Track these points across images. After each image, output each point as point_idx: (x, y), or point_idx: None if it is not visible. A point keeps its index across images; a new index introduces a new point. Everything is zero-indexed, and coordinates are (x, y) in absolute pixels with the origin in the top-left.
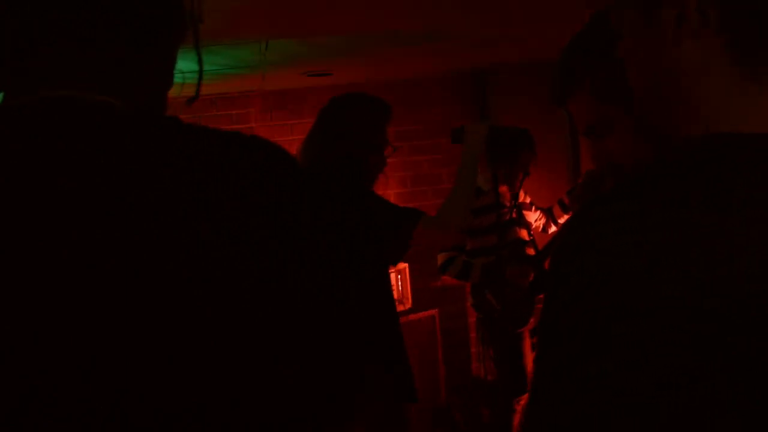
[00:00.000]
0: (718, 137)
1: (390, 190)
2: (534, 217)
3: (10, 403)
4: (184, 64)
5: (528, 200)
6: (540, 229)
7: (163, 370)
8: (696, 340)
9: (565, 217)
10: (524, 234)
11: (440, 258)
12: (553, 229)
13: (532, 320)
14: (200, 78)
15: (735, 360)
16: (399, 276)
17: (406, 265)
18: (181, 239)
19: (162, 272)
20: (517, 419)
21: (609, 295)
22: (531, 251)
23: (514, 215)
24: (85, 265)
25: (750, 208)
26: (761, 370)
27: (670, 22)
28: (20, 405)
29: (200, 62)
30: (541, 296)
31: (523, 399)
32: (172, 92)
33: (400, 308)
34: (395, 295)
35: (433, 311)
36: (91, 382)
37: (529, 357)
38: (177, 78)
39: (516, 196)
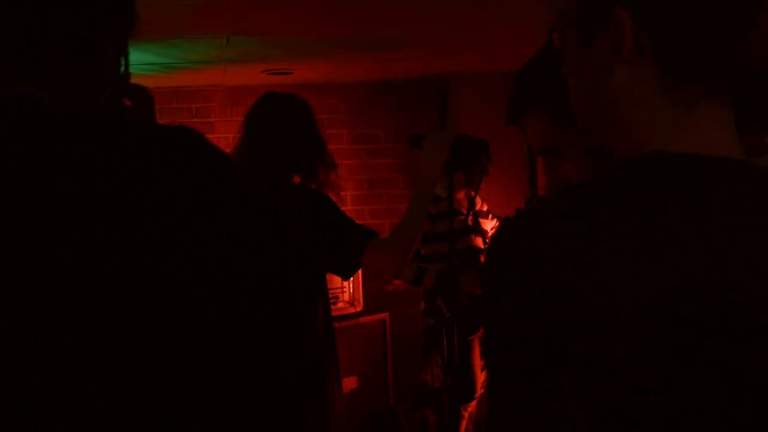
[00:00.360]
0: (676, 154)
1: (347, 192)
2: (490, 225)
3: (10, 402)
4: (145, 56)
5: (485, 208)
6: None
7: (163, 369)
8: (674, 345)
9: None
10: (479, 242)
11: None
12: None
13: (482, 329)
14: (126, 67)
15: (714, 365)
16: (350, 278)
17: None
18: (180, 239)
19: (162, 272)
20: (463, 425)
21: (571, 307)
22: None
23: (470, 223)
24: (85, 265)
25: (730, 215)
26: (744, 375)
27: (606, 49)
28: (20, 405)
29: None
30: None
31: (471, 406)
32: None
33: (350, 310)
34: (346, 297)
35: (384, 315)
36: (90, 382)
37: (478, 365)
38: (140, 69)
39: (473, 204)
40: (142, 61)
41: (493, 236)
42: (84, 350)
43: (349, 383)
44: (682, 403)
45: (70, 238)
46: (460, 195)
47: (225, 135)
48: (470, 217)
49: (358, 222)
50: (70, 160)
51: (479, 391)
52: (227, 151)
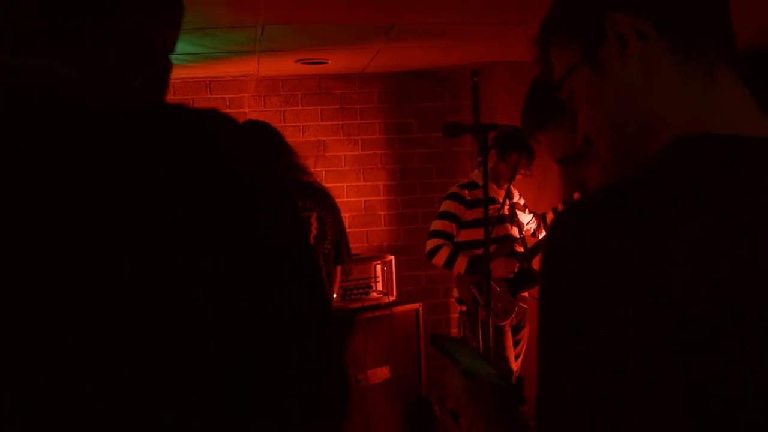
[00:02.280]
0: (689, 139)
1: (379, 182)
2: (527, 219)
3: (9, 402)
4: (180, 46)
5: (522, 201)
6: (530, 233)
7: (163, 370)
8: (683, 346)
9: None
10: (515, 231)
11: (429, 245)
12: (543, 234)
13: (513, 315)
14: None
15: (725, 365)
16: (384, 268)
17: (392, 257)
18: (178, 238)
19: (160, 271)
20: None
21: (598, 301)
22: (520, 248)
23: (506, 211)
24: (84, 263)
25: (747, 214)
26: (756, 375)
27: (614, 52)
28: (20, 405)
29: None
30: (524, 293)
31: None
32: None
33: (384, 300)
34: (380, 287)
35: (417, 305)
36: (90, 382)
37: (511, 351)
38: (175, 59)
39: (509, 193)
40: (177, 51)
41: (551, 230)
42: (83, 349)
43: (382, 373)
44: (694, 404)
45: (66, 233)
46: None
47: None
48: (506, 206)
49: (389, 213)
50: (74, 148)
51: (513, 377)
52: None
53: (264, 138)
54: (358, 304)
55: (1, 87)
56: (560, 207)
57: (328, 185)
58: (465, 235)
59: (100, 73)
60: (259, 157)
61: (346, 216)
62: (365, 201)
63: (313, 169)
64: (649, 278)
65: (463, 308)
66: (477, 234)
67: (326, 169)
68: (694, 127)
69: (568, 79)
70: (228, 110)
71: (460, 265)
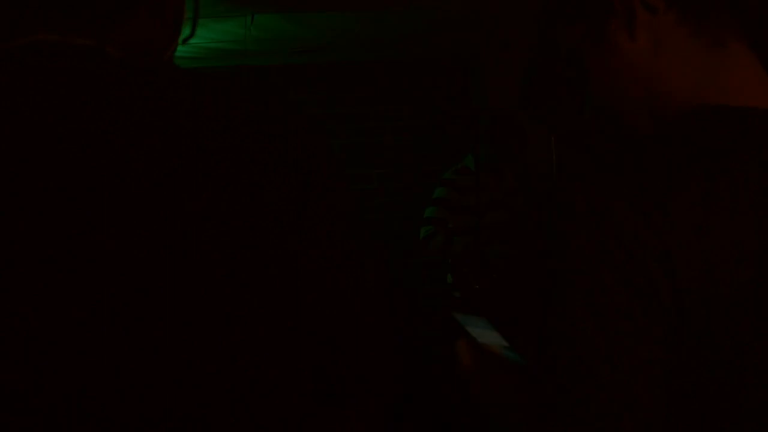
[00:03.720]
0: (700, 111)
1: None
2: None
3: (15, 401)
4: None
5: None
6: None
7: (177, 367)
8: (677, 298)
9: None
10: (509, 217)
11: (422, 232)
12: None
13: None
14: (196, 16)
15: (713, 322)
16: None
17: None
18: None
19: (183, 261)
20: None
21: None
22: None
23: (498, 197)
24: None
25: (746, 187)
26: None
27: (623, 26)
28: (25, 403)
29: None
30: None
31: None
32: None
33: None
34: None
35: None
36: (106, 377)
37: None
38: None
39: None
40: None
41: (559, 188)
42: (95, 347)
43: None
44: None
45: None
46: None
47: None
48: (498, 192)
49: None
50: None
51: None
52: None
53: None
54: None
55: (59, 70)
56: None
57: None
58: (457, 221)
59: (137, 47)
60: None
61: None
62: None
63: None
64: (646, 237)
65: (457, 294)
66: (469, 219)
67: None
68: (705, 98)
69: (577, 55)
70: None
71: (455, 251)
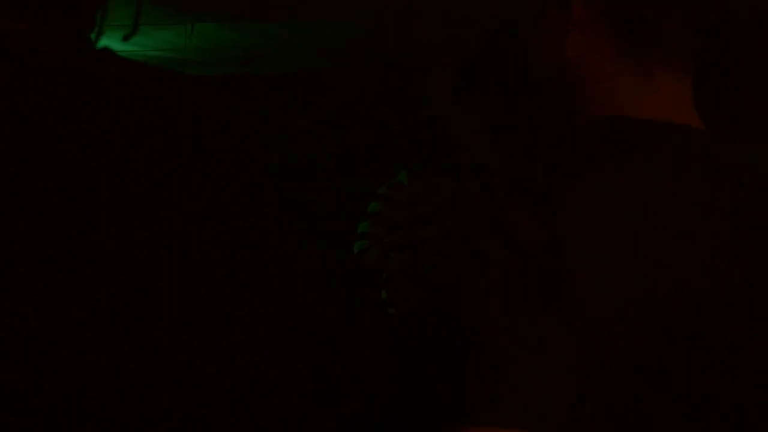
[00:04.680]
0: (617, 120)
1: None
2: None
3: (15, 401)
4: (109, 44)
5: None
6: None
7: (170, 367)
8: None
9: None
10: (440, 230)
11: (356, 247)
12: None
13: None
14: (138, 9)
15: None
16: None
17: None
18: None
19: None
20: None
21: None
22: None
23: (430, 212)
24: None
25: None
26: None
27: (560, 15)
28: (25, 403)
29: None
30: None
31: None
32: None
33: None
34: None
35: None
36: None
37: None
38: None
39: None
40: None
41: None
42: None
43: None
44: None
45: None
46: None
47: None
48: (429, 206)
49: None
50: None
51: None
52: None
53: None
54: None
55: None
56: None
57: None
58: (392, 236)
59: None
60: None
61: None
62: None
63: None
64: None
65: (392, 311)
66: (404, 235)
67: None
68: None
69: (522, 29)
70: None
71: (392, 265)
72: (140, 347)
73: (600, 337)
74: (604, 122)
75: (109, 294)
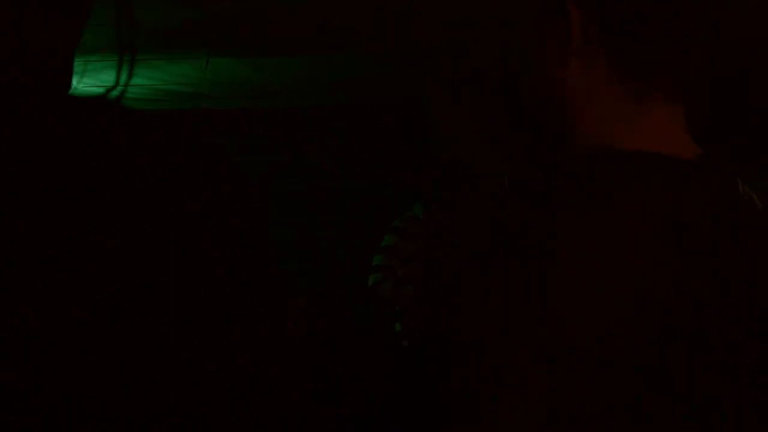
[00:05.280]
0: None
1: None
2: None
3: (15, 401)
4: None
5: None
6: None
7: (157, 365)
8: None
9: None
10: None
11: (371, 279)
12: None
13: None
14: (131, 55)
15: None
16: None
17: None
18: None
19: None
20: None
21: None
22: None
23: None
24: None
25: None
26: None
27: (559, 42)
28: (25, 403)
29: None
30: None
31: None
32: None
33: None
34: None
35: None
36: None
37: None
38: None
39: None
40: (122, 82)
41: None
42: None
43: None
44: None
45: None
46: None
47: None
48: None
49: None
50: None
51: None
52: None
53: None
54: None
55: None
56: None
57: None
58: (405, 270)
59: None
60: None
61: None
62: None
63: None
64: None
65: (407, 343)
66: (417, 268)
67: None
68: (616, 143)
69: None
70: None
71: (406, 297)
72: (140, 347)
73: (586, 346)
74: (597, 155)
75: (109, 294)
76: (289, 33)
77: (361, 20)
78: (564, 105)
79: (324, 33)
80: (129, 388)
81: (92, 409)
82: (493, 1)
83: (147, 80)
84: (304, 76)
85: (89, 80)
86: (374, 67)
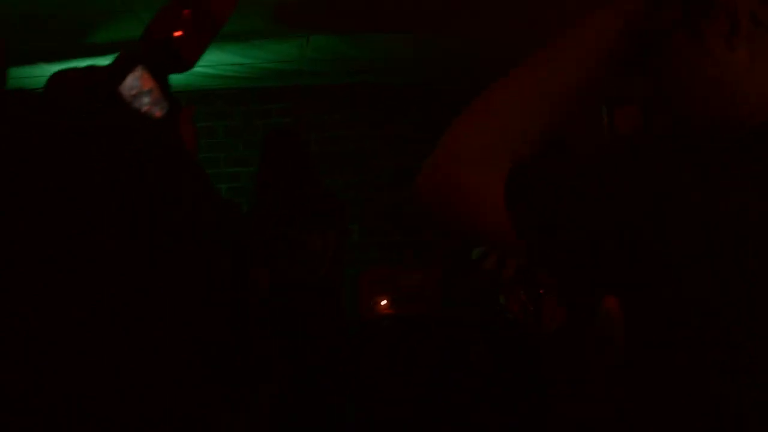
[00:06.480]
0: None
1: None
2: None
3: (15, 401)
4: (225, 57)
5: None
6: None
7: (155, 365)
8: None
9: None
10: None
11: (474, 254)
12: None
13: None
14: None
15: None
16: None
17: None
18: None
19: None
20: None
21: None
22: None
23: None
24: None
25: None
26: None
27: (722, 32)
28: (25, 403)
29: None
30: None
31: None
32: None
33: None
34: None
35: None
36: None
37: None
38: (222, 69)
39: None
40: (224, 62)
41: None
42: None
43: None
44: None
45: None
46: None
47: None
48: None
49: None
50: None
51: None
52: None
53: None
54: None
55: None
56: None
57: None
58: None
59: None
60: None
61: None
62: None
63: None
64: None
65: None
66: None
67: None
68: None
69: (661, 37)
70: (273, 121)
71: (509, 270)
72: (139, 347)
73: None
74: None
75: (109, 294)
76: (391, 9)
77: None
78: (730, 85)
79: (424, 11)
80: (129, 388)
81: (92, 408)
82: None
83: (247, 59)
84: (404, 53)
85: None
86: (475, 48)
